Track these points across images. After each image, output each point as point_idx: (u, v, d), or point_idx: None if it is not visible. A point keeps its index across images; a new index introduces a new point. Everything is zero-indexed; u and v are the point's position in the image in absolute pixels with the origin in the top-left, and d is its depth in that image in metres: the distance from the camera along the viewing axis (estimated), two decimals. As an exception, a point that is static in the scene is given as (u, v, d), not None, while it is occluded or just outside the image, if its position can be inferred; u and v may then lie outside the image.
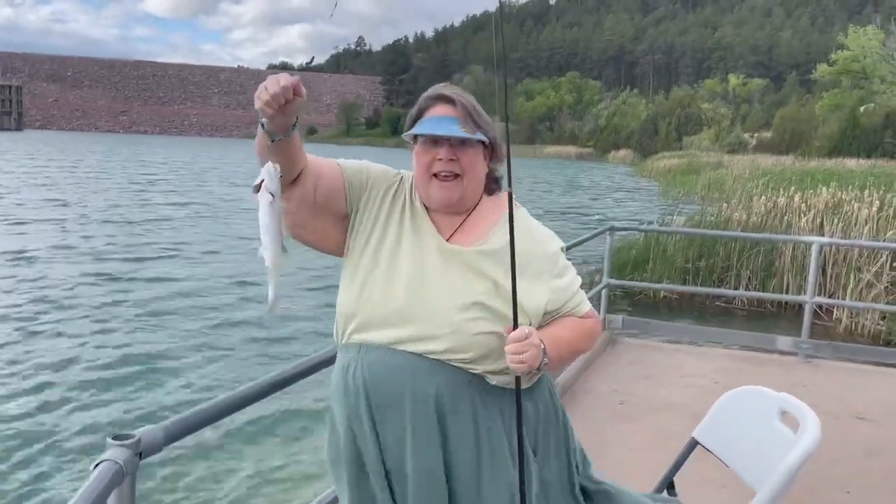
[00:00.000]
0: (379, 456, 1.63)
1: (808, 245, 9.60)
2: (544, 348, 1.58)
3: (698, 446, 2.23)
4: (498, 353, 1.58)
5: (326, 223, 1.72)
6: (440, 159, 1.65)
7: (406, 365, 1.59)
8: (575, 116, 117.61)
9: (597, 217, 22.29)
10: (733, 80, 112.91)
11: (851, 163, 34.96)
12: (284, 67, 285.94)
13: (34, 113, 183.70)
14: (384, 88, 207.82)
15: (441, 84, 1.77)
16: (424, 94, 1.74)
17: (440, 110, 1.68)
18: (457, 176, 1.65)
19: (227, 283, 11.42)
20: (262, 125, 1.52)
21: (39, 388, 6.68)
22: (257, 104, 1.46)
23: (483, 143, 1.70)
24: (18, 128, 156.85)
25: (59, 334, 8.32)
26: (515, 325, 1.56)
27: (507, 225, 1.66)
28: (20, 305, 9.56)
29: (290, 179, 1.62)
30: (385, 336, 1.61)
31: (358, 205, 1.72)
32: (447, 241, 1.68)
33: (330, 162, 1.73)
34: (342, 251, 1.75)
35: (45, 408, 6.22)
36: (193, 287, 11.09)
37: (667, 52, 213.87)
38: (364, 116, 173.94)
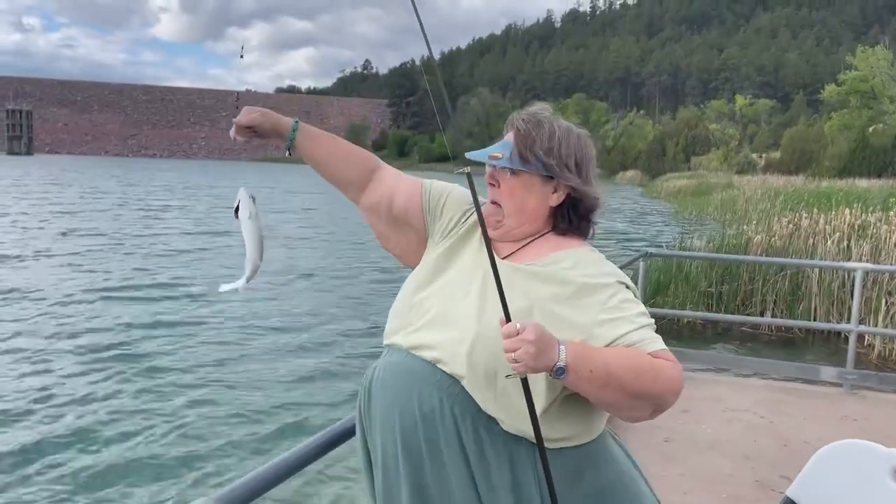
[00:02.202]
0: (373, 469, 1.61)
1: (836, 270, 9.51)
2: (563, 350, 1.37)
3: (793, 506, 2.00)
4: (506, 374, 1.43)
5: (408, 240, 1.75)
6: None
7: (417, 370, 1.52)
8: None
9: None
10: (740, 100, 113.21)
11: (863, 182, 34.80)
12: (292, 91, 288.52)
13: (44, 137, 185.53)
14: (391, 111, 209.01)
15: (535, 104, 1.68)
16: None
17: (509, 135, 1.63)
18: (498, 204, 1.61)
19: (270, 327, 10.51)
20: None
21: (76, 449, 6.07)
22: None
23: (543, 173, 1.60)
24: (28, 152, 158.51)
25: (91, 383, 7.68)
26: (508, 319, 1.39)
27: (562, 258, 1.57)
28: (50, 349, 8.97)
29: (348, 183, 1.73)
30: (412, 339, 1.57)
31: (433, 226, 1.72)
32: (503, 259, 1.61)
33: (413, 180, 1.76)
34: None
35: (81, 472, 5.65)
36: (234, 333, 10.23)
37: (673, 74, 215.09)
38: (371, 139, 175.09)
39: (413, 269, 1.74)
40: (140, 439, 6.30)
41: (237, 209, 1.68)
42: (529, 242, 1.61)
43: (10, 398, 7.12)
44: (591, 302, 1.51)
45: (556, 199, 1.60)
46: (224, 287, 1.77)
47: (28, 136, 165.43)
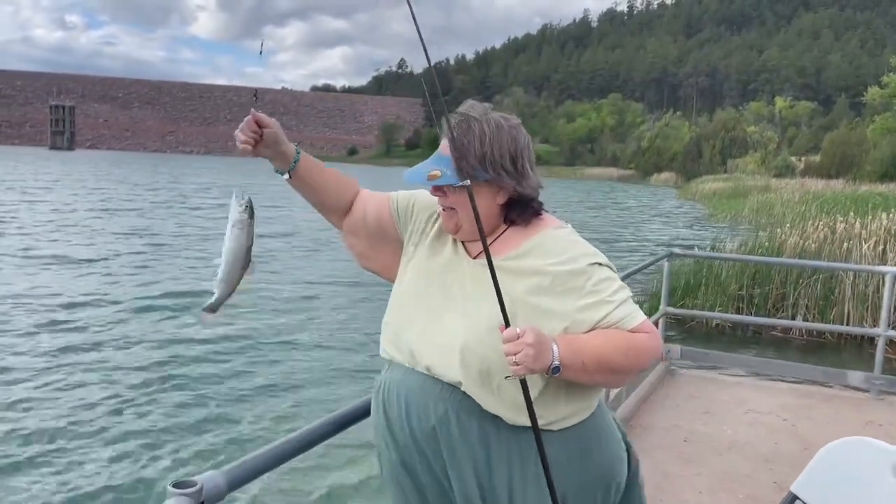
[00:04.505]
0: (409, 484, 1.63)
1: (871, 274, 9.34)
2: (556, 349, 1.46)
3: (798, 501, 2.02)
4: (506, 369, 1.47)
5: (386, 253, 1.80)
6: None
7: (419, 386, 1.58)
8: (617, 139, 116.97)
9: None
10: (780, 102, 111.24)
11: (905, 187, 33.95)
12: (327, 89, 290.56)
13: (85, 132, 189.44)
14: (425, 110, 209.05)
15: (465, 103, 1.67)
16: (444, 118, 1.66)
17: (443, 145, 1.63)
18: (451, 208, 1.64)
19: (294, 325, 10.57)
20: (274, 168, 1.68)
21: (89, 426, 6.41)
22: (236, 144, 1.58)
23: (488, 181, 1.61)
24: (70, 147, 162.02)
25: (111, 372, 7.95)
26: (507, 324, 1.45)
27: (533, 248, 1.61)
28: (72, 341, 9.22)
29: (338, 212, 1.78)
30: (406, 354, 1.62)
31: (406, 232, 1.78)
32: (474, 259, 1.66)
33: (381, 195, 1.83)
34: None
35: (98, 450, 5.96)
36: (257, 327, 10.36)
37: (711, 75, 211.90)
38: (404, 138, 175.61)
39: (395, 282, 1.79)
40: (156, 426, 6.56)
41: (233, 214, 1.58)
42: (495, 240, 1.65)
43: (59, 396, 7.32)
44: (569, 289, 1.56)
45: (502, 198, 1.63)
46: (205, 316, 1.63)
47: (70, 131, 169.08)
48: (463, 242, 1.69)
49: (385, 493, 1.73)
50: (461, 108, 1.64)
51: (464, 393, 1.54)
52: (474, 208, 1.52)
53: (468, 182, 1.54)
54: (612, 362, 1.54)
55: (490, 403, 1.54)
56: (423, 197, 1.78)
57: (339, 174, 1.78)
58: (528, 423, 1.51)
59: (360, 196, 1.80)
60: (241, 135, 1.57)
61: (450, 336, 1.56)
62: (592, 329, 1.56)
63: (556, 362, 1.46)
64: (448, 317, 1.59)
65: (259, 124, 1.58)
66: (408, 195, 1.81)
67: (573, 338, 1.52)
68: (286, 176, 1.67)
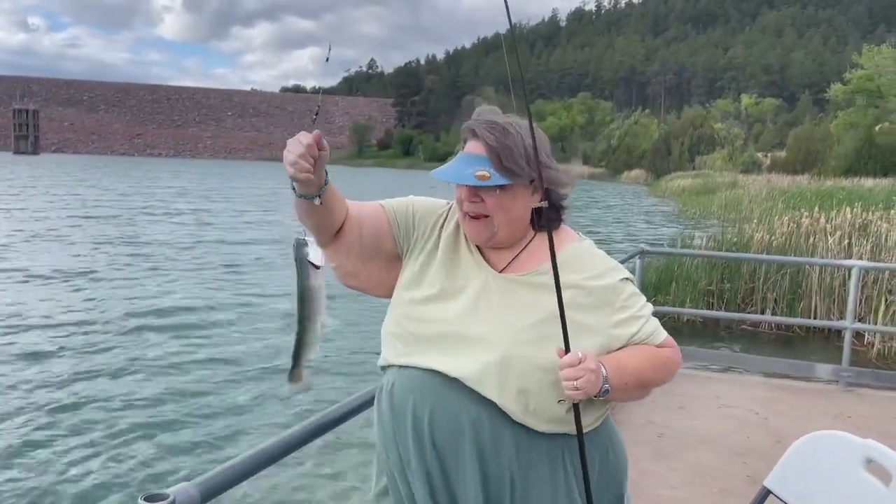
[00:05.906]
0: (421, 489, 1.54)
1: (837, 268, 9.51)
2: (605, 374, 1.46)
3: (771, 496, 2.04)
4: (543, 388, 1.47)
5: (378, 268, 1.69)
6: (464, 199, 1.58)
7: (446, 389, 1.50)
8: (587, 137, 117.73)
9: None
10: (746, 99, 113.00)
11: (868, 182, 34.61)
12: (297, 90, 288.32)
13: (50, 136, 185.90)
14: (396, 110, 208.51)
15: (485, 109, 1.63)
16: (466, 124, 1.61)
17: (472, 146, 1.57)
18: (485, 216, 1.56)
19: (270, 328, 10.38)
20: (295, 190, 1.48)
21: (61, 438, 6.28)
22: (293, 173, 1.40)
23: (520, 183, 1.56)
24: (35, 151, 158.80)
25: (82, 379, 7.84)
26: (567, 349, 1.44)
27: (563, 262, 1.55)
28: (44, 347, 9.15)
29: (334, 232, 1.62)
30: (426, 360, 1.53)
31: (409, 242, 1.67)
32: (500, 272, 1.60)
33: (372, 205, 1.69)
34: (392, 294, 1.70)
35: (69, 461, 5.83)
36: (231, 334, 10.24)
37: (678, 73, 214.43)
38: (376, 138, 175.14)
39: (383, 296, 1.71)
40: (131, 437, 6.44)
41: (299, 255, 1.48)
42: (523, 250, 1.61)
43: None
44: (603, 304, 1.55)
45: (536, 200, 1.59)
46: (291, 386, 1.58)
47: (34, 135, 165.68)
48: (482, 254, 1.63)
49: (379, 500, 1.66)
50: (475, 115, 1.60)
51: (493, 402, 1.50)
52: (538, 210, 1.50)
53: (517, 181, 1.50)
54: (648, 379, 1.57)
55: (522, 418, 1.50)
56: (423, 203, 1.71)
57: (339, 192, 1.62)
58: (559, 429, 1.51)
59: (350, 210, 1.65)
60: (302, 162, 1.39)
61: (484, 353, 1.49)
62: (625, 345, 1.56)
63: (607, 385, 1.46)
64: (479, 332, 1.52)
65: (318, 146, 1.41)
66: (404, 203, 1.70)
67: (613, 358, 1.52)
68: (317, 201, 1.48)
